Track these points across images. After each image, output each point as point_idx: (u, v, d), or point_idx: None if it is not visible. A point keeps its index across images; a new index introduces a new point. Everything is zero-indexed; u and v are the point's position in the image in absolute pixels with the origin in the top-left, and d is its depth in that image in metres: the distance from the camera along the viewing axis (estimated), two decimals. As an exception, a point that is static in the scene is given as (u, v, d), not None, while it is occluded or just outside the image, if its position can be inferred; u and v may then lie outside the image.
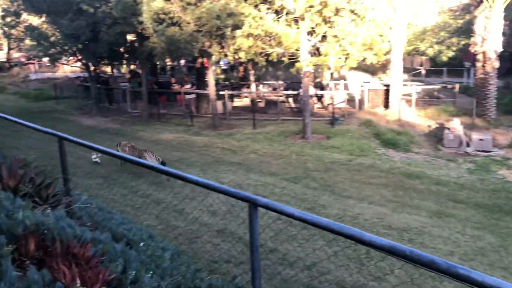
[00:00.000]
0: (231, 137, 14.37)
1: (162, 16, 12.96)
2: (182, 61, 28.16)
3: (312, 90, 17.09)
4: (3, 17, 18.97)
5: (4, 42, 33.67)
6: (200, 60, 17.84)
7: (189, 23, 12.99)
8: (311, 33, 13.39)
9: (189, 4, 12.90)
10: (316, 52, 13.90)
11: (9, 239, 2.98)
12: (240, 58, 15.04)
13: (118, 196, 8.56)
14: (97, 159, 11.26)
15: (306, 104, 14.04)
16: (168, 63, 29.14)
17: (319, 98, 18.99)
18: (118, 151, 10.21)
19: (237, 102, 20.25)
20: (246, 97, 21.02)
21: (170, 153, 12.22)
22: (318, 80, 20.47)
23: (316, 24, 13.03)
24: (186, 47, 13.15)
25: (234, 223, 7.39)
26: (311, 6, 12.44)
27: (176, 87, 19.18)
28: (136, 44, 17.31)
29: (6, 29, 19.18)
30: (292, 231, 6.92)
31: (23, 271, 2.95)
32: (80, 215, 5.19)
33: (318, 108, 18.42)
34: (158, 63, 22.26)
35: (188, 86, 19.33)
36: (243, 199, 2.76)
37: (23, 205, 3.38)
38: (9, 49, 35.37)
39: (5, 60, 35.00)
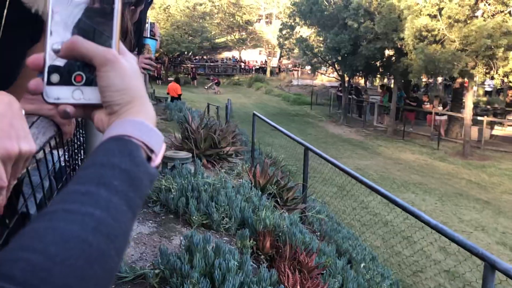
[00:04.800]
0: (482, 170, 12.73)
1: (424, 33, 12.49)
2: (439, 79, 26.48)
3: None
4: (281, 30, 21.96)
5: (278, 51, 38.88)
6: (459, 79, 16.43)
7: (453, 41, 12.10)
8: None
9: (457, 21, 12.00)
10: None
11: (251, 233, 3.47)
12: (510, 82, 13.11)
13: (349, 209, 8.77)
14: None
15: None
16: (423, 80, 27.91)
17: None
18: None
19: (498, 131, 17.71)
20: (511, 125, 18.18)
21: (409, 175, 11.73)
22: None
23: None
24: (446, 66, 12.30)
25: (469, 269, 6.56)
26: None
27: (427, 106, 18.21)
28: (392, 59, 17.26)
29: (281, 40, 22.12)
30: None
31: (257, 264, 3.39)
32: (311, 221, 5.59)
33: None
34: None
35: (439, 108, 18.06)
36: (479, 256, 2.44)
37: (267, 205, 3.87)
38: (281, 56, 40.69)
39: (276, 66, 40.47)
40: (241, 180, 5.30)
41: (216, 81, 31.40)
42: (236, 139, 7.43)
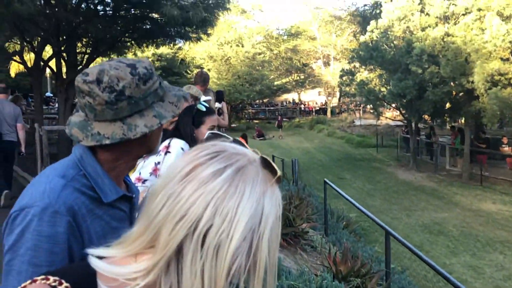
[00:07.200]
0: None
1: (497, 77, 11.94)
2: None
3: None
4: (341, 76, 21.98)
5: (337, 90, 38.74)
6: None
7: (531, 83, 11.44)
8: None
9: (534, 63, 11.37)
10: None
11: None
12: None
13: (430, 275, 8.26)
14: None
15: None
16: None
17: None
18: None
19: None
20: None
21: (493, 231, 10.90)
22: None
23: None
24: (525, 110, 11.60)
25: None
26: None
27: (506, 148, 17.02)
28: (461, 100, 16.55)
29: (342, 87, 22.10)
30: None
31: None
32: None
33: None
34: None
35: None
36: None
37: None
38: (341, 96, 40.50)
39: (337, 105, 40.22)
40: (319, 262, 5.22)
41: (258, 133, 30.80)
42: (308, 206, 7.40)
